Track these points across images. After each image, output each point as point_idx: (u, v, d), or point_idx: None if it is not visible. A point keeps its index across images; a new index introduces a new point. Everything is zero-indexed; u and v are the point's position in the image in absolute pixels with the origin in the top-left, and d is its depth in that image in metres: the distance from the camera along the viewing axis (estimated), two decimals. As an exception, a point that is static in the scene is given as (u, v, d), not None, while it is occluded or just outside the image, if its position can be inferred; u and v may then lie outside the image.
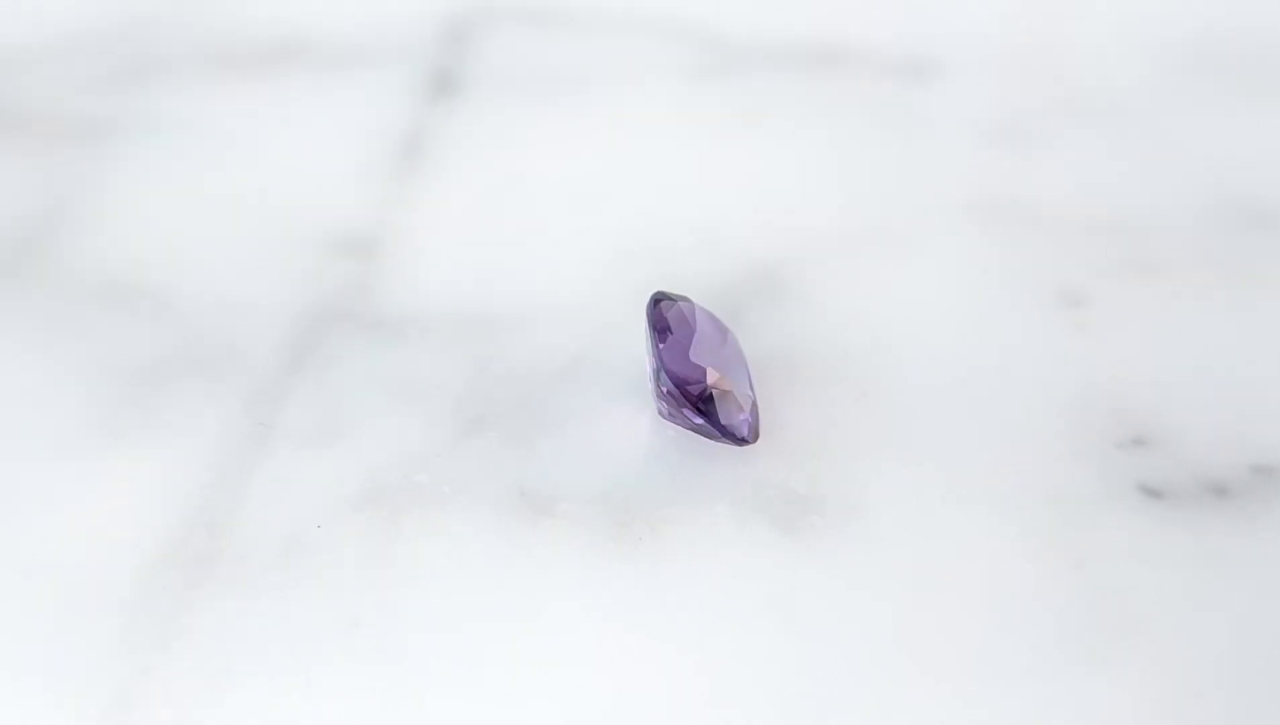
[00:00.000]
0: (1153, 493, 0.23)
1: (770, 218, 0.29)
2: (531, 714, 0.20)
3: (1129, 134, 0.31)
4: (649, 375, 0.24)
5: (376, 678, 0.20)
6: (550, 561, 0.22)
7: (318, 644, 0.21)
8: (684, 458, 0.23)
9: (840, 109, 0.32)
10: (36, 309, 0.26)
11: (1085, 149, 0.30)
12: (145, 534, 0.22)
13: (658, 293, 0.24)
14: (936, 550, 0.22)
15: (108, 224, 0.28)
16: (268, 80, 0.33)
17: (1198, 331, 0.26)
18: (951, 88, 0.32)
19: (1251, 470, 0.23)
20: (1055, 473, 0.23)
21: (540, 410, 0.24)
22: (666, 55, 0.34)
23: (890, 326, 0.26)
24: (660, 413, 0.24)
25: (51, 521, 0.22)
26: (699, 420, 0.23)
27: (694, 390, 0.23)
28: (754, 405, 0.23)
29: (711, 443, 0.23)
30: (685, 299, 0.24)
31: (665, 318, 0.23)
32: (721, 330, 0.24)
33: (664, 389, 0.23)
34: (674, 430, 0.24)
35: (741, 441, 0.23)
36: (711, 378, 0.23)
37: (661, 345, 0.23)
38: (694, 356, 0.23)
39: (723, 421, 0.23)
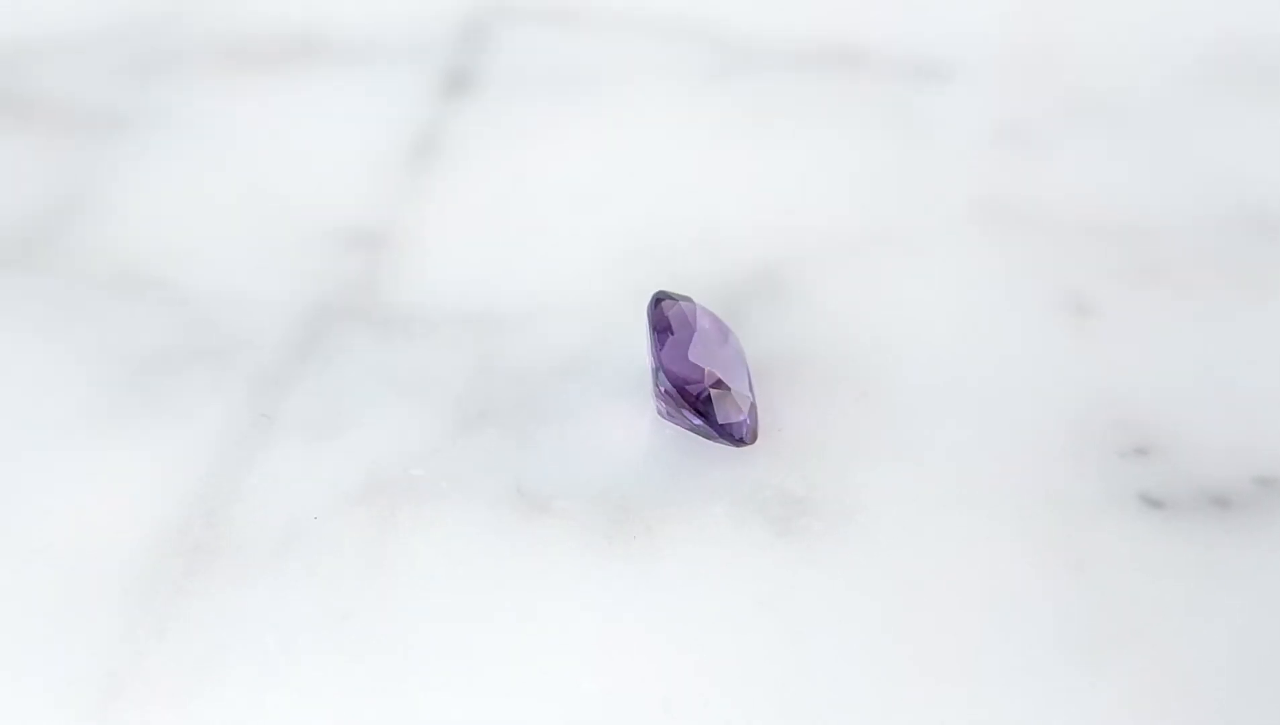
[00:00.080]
0: (1153, 502, 0.23)
1: (775, 218, 0.29)
2: (522, 710, 0.20)
3: (1137, 139, 0.31)
4: (649, 375, 0.24)
5: (367, 670, 0.20)
6: (545, 559, 0.22)
7: (310, 635, 0.21)
8: (683, 458, 0.23)
9: (849, 110, 0.32)
10: (48, 296, 0.27)
11: (1093, 153, 0.30)
12: (144, 521, 0.22)
13: (659, 292, 0.24)
14: (933, 554, 0.22)
15: (120, 215, 0.29)
16: (283, 75, 0.33)
17: (1204, 340, 0.26)
18: (959, 90, 0.32)
19: (1255, 482, 0.23)
20: (1055, 479, 0.23)
21: (540, 408, 0.24)
22: (679, 55, 0.34)
23: (892, 329, 0.26)
24: (659, 412, 0.24)
25: (52, 506, 0.22)
26: (697, 420, 0.23)
27: (692, 390, 0.23)
28: (752, 406, 0.23)
29: (710, 443, 0.23)
30: (687, 299, 0.24)
31: (666, 317, 0.23)
32: (723, 331, 0.24)
33: (662, 389, 0.23)
34: (673, 430, 0.24)
35: (739, 442, 0.23)
36: (710, 378, 0.23)
37: (661, 345, 0.23)
38: (693, 357, 0.23)
39: (721, 422, 0.23)
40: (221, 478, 0.23)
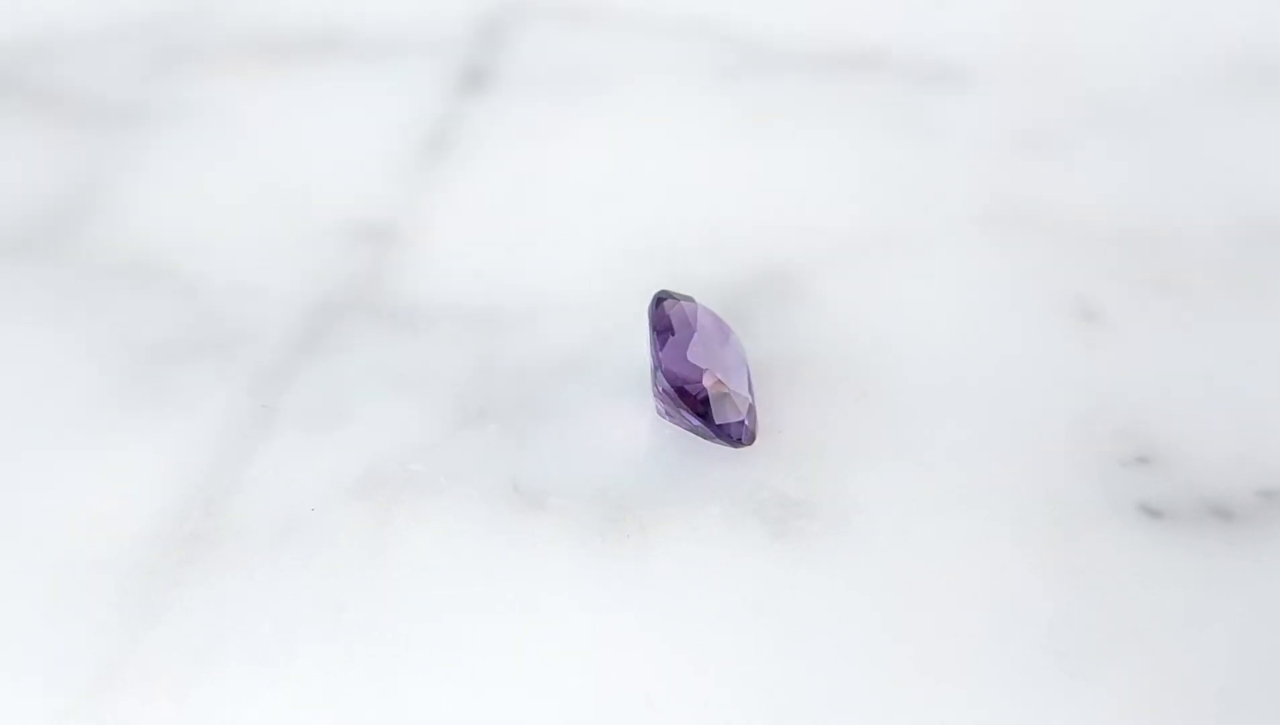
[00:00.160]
0: (1153, 512, 0.22)
1: (784, 220, 0.28)
2: (512, 702, 0.20)
3: (1149, 144, 0.30)
4: (649, 374, 0.24)
5: (360, 662, 0.21)
6: (539, 555, 0.22)
7: (304, 626, 0.21)
8: (681, 457, 0.23)
9: (861, 113, 0.32)
10: (60, 285, 0.27)
11: (1105, 158, 0.30)
12: (142, 510, 0.22)
13: (661, 292, 0.24)
14: (929, 557, 0.22)
15: (134, 206, 0.29)
16: (301, 70, 0.33)
17: (1211, 348, 0.25)
18: (972, 94, 0.32)
19: (1258, 494, 0.23)
20: (1055, 486, 0.23)
21: (541, 406, 0.24)
22: (694, 55, 0.34)
23: (896, 331, 0.26)
24: (659, 412, 0.24)
25: (52, 495, 0.23)
26: (696, 421, 0.23)
27: (691, 391, 0.23)
28: (751, 407, 0.23)
29: (709, 443, 0.23)
30: (689, 299, 0.24)
31: (667, 317, 0.23)
32: (724, 331, 0.24)
33: (660, 388, 0.23)
34: (672, 430, 0.24)
35: (737, 443, 0.23)
36: (709, 379, 0.23)
37: (661, 345, 0.23)
38: (692, 357, 0.23)
39: (718, 423, 0.23)
40: (222, 468, 0.23)
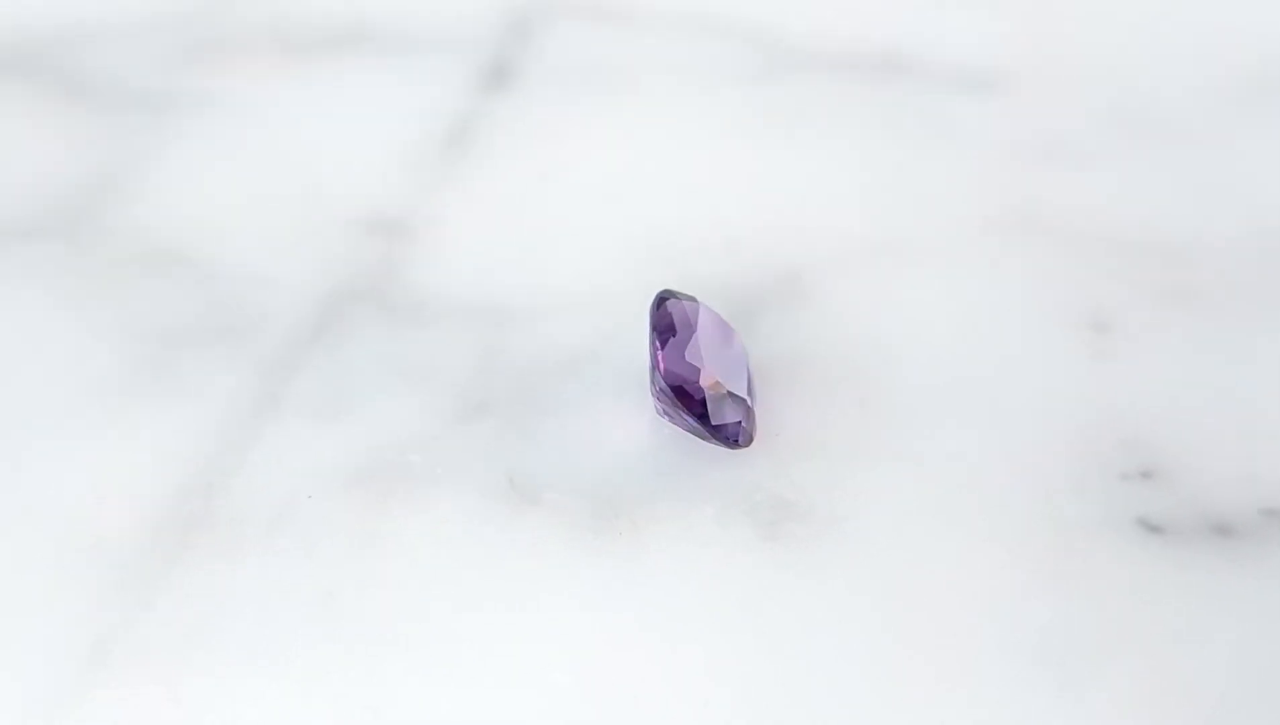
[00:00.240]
0: (1152, 528, 0.22)
1: (798, 223, 0.28)
2: (498, 695, 0.20)
3: (1171, 157, 0.30)
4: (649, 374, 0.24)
5: (350, 648, 0.21)
6: (529, 549, 0.22)
7: (297, 612, 0.21)
8: (680, 457, 0.24)
9: (884, 117, 0.31)
10: (81, 270, 0.27)
11: (1124, 170, 0.30)
12: (144, 492, 0.23)
13: (663, 291, 0.24)
14: (922, 564, 0.22)
15: (155, 194, 0.29)
16: (327, 64, 0.34)
17: (1221, 364, 0.25)
18: (994, 101, 0.32)
19: (1260, 512, 0.22)
20: (1054, 496, 0.23)
21: (541, 402, 0.24)
22: (717, 56, 0.34)
23: (903, 337, 0.26)
24: (658, 412, 0.24)
25: (56, 473, 0.23)
26: (693, 421, 0.23)
27: (689, 391, 0.23)
28: (749, 409, 0.23)
29: (707, 444, 0.23)
30: (691, 299, 0.24)
31: (668, 317, 0.23)
32: (726, 332, 0.24)
33: (659, 388, 0.23)
34: (672, 430, 0.24)
35: (734, 444, 0.23)
36: (707, 380, 0.23)
37: (662, 345, 0.23)
38: (691, 357, 0.23)
39: (716, 423, 0.23)
40: (224, 454, 0.23)
